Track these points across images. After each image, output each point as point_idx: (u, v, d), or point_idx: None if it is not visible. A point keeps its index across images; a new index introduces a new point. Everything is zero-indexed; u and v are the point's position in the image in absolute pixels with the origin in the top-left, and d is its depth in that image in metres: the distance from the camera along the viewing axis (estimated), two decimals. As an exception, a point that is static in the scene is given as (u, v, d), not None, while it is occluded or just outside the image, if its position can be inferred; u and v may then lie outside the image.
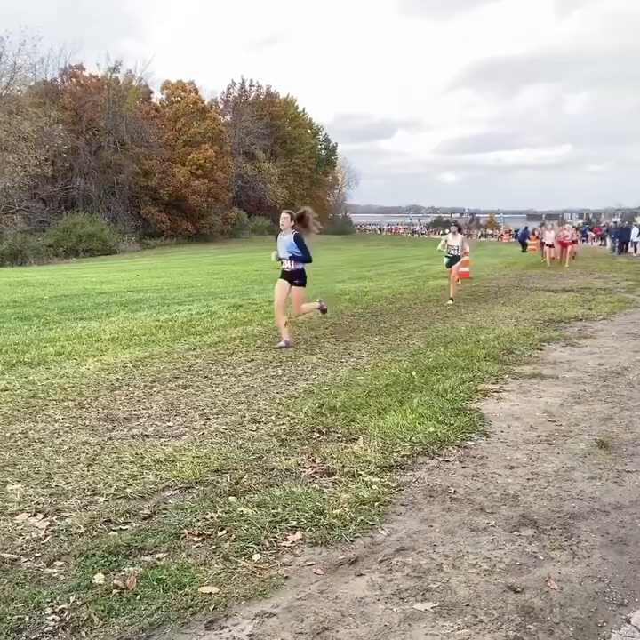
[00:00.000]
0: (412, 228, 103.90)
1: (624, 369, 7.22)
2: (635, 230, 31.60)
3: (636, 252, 30.35)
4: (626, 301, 13.29)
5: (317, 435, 4.95)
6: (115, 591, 2.82)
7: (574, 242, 27.09)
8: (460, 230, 14.33)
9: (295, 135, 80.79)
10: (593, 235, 54.87)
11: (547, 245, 25.82)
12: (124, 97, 58.68)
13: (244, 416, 5.45)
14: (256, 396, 6.13)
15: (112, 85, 58.48)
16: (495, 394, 6.18)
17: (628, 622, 2.61)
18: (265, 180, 72.33)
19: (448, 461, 4.44)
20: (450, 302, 13.03)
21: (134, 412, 5.59)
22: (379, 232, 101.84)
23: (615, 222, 49.15)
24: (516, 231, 52.65)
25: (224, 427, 5.16)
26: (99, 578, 2.93)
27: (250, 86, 79.59)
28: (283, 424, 5.20)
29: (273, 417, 5.41)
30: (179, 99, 65.22)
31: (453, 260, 13.72)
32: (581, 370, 7.19)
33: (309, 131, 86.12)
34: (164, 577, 2.92)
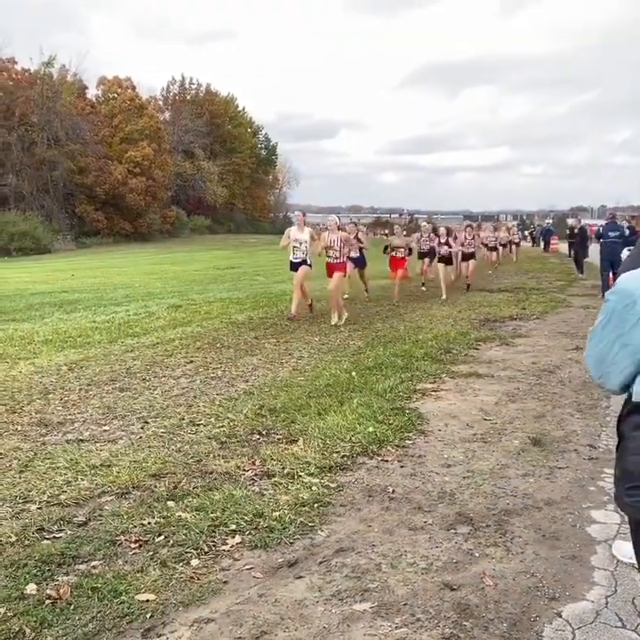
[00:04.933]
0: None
1: (556, 367, 7.44)
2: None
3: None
4: (557, 301, 13.69)
5: (257, 436, 4.93)
6: (48, 601, 2.76)
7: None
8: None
9: (235, 134, 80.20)
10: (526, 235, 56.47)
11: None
12: (58, 92, 56.98)
13: (183, 419, 5.39)
14: (195, 398, 6.06)
15: (45, 80, 56.71)
16: (433, 393, 6.28)
17: (560, 616, 2.69)
18: (204, 179, 71.48)
19: (387, 461, 4.48)
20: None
21: (69, 417, 5.46)
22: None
23: (548, 223, 51.22)
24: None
25: (162, 430, 5.09)
26: (31, 588, 2.86)
27: (189, 84, 78.83)
28: (222, 426, 5.16)
29: (212, 419, 5.37)
30: (115, 95, 63.81)
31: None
32: (515, 368, 7.37)
33: (249, 130, 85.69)
34: (100, 585, 2.86)
